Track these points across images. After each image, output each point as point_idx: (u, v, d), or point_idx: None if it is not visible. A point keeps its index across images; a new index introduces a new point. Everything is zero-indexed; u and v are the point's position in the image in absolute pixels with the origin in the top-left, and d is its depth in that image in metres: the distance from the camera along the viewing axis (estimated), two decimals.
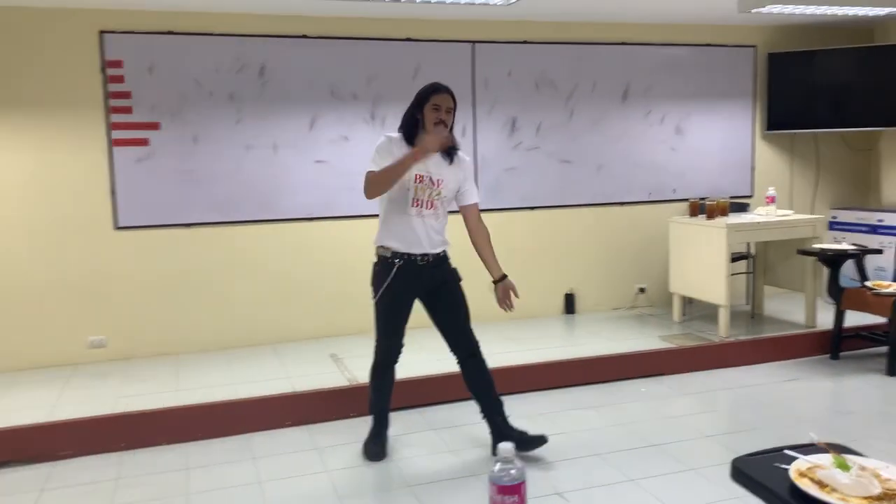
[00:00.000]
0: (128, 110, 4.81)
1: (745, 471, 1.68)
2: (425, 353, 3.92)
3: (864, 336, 4.85)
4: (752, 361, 4.72)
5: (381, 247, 3.24)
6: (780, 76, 6.15)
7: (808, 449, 1.79)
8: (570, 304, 5.91)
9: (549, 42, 5.64)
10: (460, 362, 3.36)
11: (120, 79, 4.78)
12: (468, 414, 3.91)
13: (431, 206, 3.20)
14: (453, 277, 3.32)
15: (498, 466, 1.48)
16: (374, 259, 3.30)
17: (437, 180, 3.19)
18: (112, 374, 4.62)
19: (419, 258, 3.20)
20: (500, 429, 3.34)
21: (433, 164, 3.17)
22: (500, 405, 3.38)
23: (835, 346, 4.79)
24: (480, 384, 3.36)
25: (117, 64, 4.77)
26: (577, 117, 5.78)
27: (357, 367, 4.50)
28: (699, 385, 4.37)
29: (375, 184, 3.09)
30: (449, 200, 3.28)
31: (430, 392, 4.09)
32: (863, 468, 1.64)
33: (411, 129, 3.18)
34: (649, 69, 5.91)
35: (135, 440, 3.64)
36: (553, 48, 5.65)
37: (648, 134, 5.98)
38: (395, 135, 3.21)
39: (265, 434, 3.77)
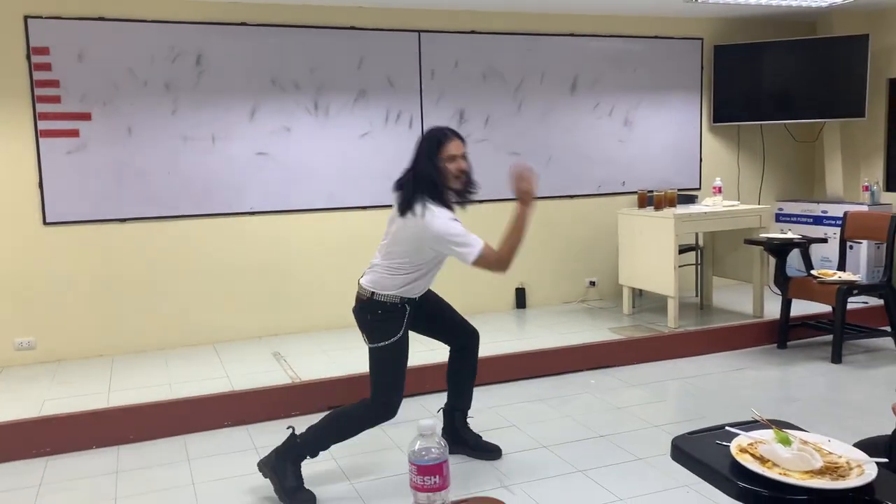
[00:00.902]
0: (56, 100, 4.58)
1: (685, 449, 1.60)
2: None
3: (810, 325, 4.90)
4: (700, 352, 4.72)
5: (387, 295, 2.88)
6: (725, 68, 6.18)
7: (751, 426, 1.72)
8: (520, 299, 5.85)
9: (497, 32, 5.57)
10: (459, 347, 3.18)
11: (47, 66, 4.55)
12: (416, 409, 3.82)
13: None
14: None
15: (418, 444, 1.33)
16: (368, 304, 2.90)
17: None
18: (40, 377, 4.39)
19: (417, 296, 2.99)
20: (457, 428, 3.24)
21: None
22: (468, 402, 3.26)
23: (782, 335, 4.82)
24: (466, 369, 3.21)
25: (44, 51, 4.54)
26: (526, 109, 5.72)
27: (300, 366, 4.36)
28: (648, 376, 4.35)
29: (511, 257, 2.84)
30: None
31: None
32: (804, 442, 1.58)
33: (434, 188, 2.82)
34: (598, 61, 5.88)
35: (61, 444, 3.46)
36: (501, 39, 5.58)
37: (597, 126, 5.95)
38: (433, 204, 2.80)
39: (202, 435, 3.64)
